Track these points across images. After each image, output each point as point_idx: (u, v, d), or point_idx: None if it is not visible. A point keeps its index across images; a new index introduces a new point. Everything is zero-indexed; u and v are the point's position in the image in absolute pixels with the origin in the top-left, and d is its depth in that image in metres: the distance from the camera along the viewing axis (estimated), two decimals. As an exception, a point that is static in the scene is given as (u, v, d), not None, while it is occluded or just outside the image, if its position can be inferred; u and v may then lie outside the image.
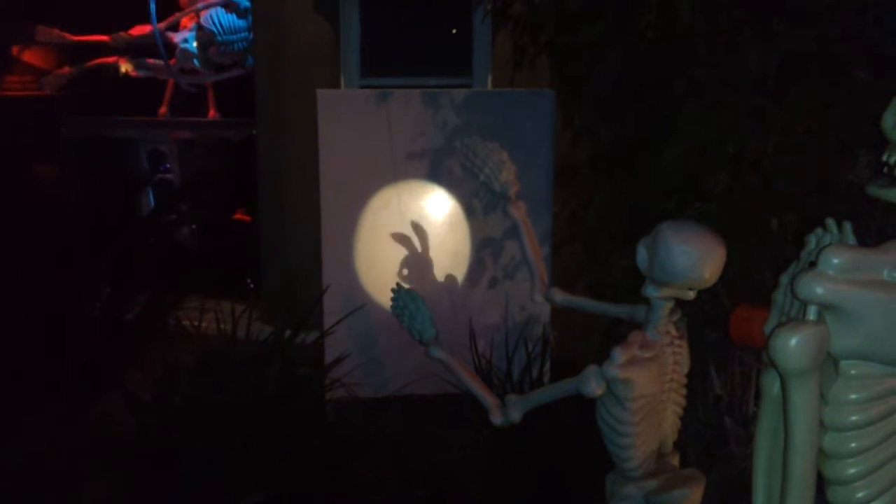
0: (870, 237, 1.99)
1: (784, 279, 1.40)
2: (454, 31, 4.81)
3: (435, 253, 3.55)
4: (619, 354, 1.75)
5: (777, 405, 1.34)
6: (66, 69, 6.49)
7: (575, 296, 2.12)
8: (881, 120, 1.32)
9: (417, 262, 3.59)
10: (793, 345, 1.23)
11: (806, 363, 1.24)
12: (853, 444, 1.30)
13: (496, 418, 1.93)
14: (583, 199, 3.33)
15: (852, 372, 1.29)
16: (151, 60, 6.21)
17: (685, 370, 1.93)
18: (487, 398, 1.96)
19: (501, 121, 3.61)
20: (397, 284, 2.12)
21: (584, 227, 3.28)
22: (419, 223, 3.57)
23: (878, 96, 2.26)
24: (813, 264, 1.28)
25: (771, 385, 1.36)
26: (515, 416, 1.91)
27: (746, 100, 2.54)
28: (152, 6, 5.83)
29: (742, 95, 2.54)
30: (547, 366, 3.46)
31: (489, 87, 4.67)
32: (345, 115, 3.56)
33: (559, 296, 2.11)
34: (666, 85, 2.65)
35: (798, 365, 1.24)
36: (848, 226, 1.35)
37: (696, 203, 2.64)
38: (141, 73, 6.30)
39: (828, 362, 1.29)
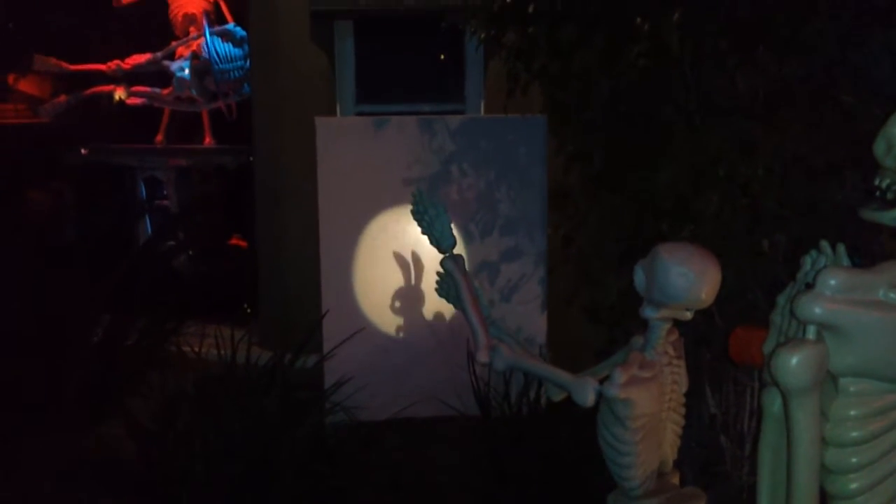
0: (858, 258, 2.05)
1: (781, 300, 1.44)
2: (447, 58, 4.89)
3: (432, 276, 3.58)
4: (620, 374, 1.77)
5: (778, 422, 1.37)
6: (63, 97, 6.53)
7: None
8: (872, 144, 1.37)
9: (415, 285, 3.63)
10: (794, 364, 1.27)
11: (807, 381, 1.28)
12: (854, 460, 1.33)
13: (483, 357, 1.90)
14: (576, 221, 3.38)
15: (851, 389, 1.32)
16: (147, 88, 6.28)
17: (683, 389, 1.96)
18: (481, 336, 1.92)
19: (495, 146, 3.68)
20: (418, 189, 2.06)
21: (578, 249, 3.33)
22: (417, 247, 3.62)
23: (864, 119, 2.34)
24: (810, 285, 1.32)
25: (771, 403, 1.40)
26: (499, 365, 1.88)
27: (735, 125, 2.61)
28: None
29: (730, 120, 2.61)
30: (544, 387, 3.48)
31: (482, 113, 4.74)
32: (343, 141, 3.62)
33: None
34: (656, 110, 2.72)
35: (799, 383, 1.28)
36: (842, 247, 1.39)
37: (688, 225, 2.69)
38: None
39: (827, 380, 1.33)
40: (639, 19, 2.60)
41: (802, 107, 2.55)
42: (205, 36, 5.91)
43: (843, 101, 2.50)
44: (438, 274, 2.02)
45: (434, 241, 1.98)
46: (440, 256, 2.00)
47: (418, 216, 2.01)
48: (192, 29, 6.13)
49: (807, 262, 1.41)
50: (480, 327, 1.92)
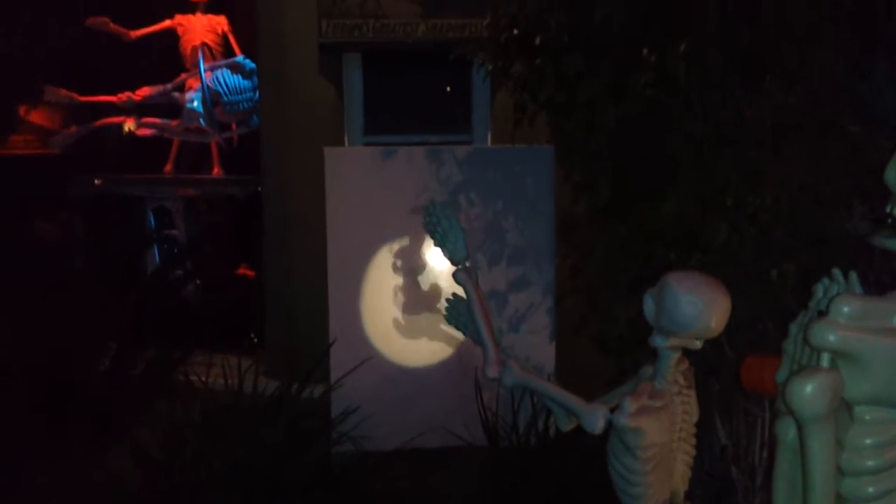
0: (867, 286, 2.05)
1: (793, 328, 1.43)
2: (454, 90, 4.94)
3: (440, 305, 3.60)
4: (630, 404, 1.76)
5: (792, 451, 1.36)
6: (74, 128, 6.58)
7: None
8: (883, 173, 1.37)
9: (423, 314, 3.62)
10: (808, 392, 1.26)
11: (822, 409, 1.27)
12: (870, 489, 1.31)
13: (492, 372, 1.86)
14: (584, 251, 3.38)
15: (867, 417, 1.31)
16: (158, 120, 6.34)
17: (694, 419, 1.94)
18: (492, 351, 1.89)
19: (503, 176, 3.70)
20: (431, 200, 2.04)
21: (587, 279, 3.33)
22: (424, 276, 3.62)
23: (871, 149, 2.35)
24: (823, 313, 1.32)
25: (786, 432, 1.38)
26: (509, 381, 1.85)
27: (742, 154, 2.62)
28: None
29: (737, 150, 2.62)
30: (552, 418, 3.46)
31: (489, 143, 4.77)
32: (351, 171, 3.64)
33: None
34: (662, 140, 2.74)
35: (814, 411, 1.27)
36: (854, 275, 1.39)
37: (697, 254, 2.69)
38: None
39: (842, 408, 1.32)
40: (645, 50, 2.63)
41: (809, 136, 2.57)
42: (199, 72, 5.99)
43: (849, 132, 2.52)
44: (448, 300, 2.00)
45: (447, 253, 1.96)
46: (448, 285, 1.98)
47: (431, 227, 1.98)
48: (201, 61, 6.22)
49: (819, 289, 1.41)
50: (491, 342, 1.90)
